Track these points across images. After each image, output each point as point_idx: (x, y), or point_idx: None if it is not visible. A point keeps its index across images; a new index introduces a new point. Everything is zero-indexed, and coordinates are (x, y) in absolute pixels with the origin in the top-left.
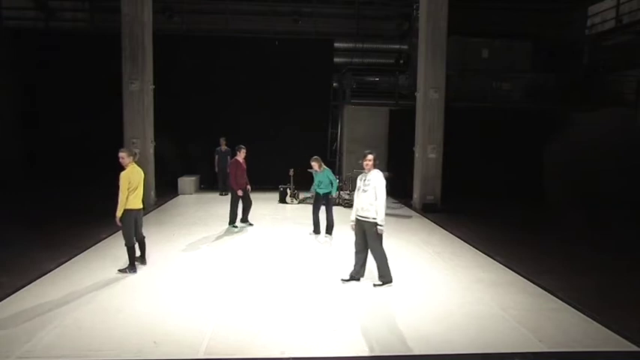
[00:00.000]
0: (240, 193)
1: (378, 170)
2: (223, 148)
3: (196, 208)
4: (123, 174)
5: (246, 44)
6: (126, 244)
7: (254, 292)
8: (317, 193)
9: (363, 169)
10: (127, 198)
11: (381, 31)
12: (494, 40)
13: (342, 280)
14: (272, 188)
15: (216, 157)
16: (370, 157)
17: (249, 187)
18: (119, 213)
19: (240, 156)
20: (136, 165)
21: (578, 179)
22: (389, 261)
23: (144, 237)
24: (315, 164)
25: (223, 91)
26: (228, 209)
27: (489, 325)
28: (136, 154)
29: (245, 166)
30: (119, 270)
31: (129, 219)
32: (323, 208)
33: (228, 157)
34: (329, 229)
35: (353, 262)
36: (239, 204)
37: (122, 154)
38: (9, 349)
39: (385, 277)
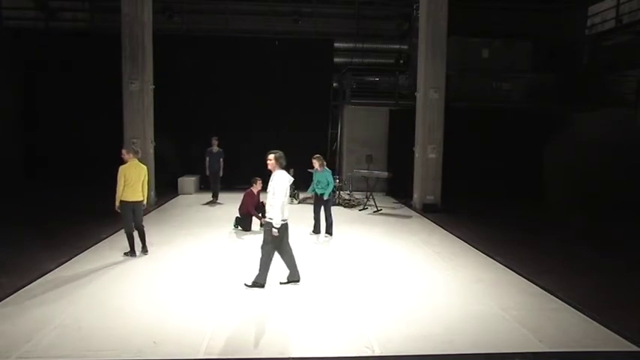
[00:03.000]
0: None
1: (282, 171)
2: (215, 148)
3: (196, 208)
4: (120, 168)
5: (246, 44)
6: (125, 232)
7: (254, 292)
8: (316, 193)
9: (366, 168)
10: (123, 190)
11: (381, 31)
12: (495, 40)
13: (280, 282)
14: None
15: (207, 158)
16: (271, 156)
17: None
18: (117, 203)
19: (256, 188)
20: (136, 161)
21: (578, 179)
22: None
23: (143, 227)
24: (316, 163)
25: (223, 91)
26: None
27: (489, 325)
28: (138, 151)
29: (258, 198)
30: (124, 253)
31: (126, 209)
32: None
33: (221, 158)
34: (328, 229)
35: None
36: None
37: (123, 151)
38: (9, 349)
39: (258, 280)
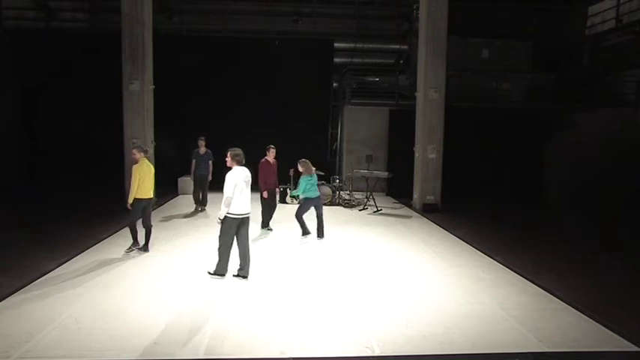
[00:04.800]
0: (265, 195)
1: (235, 168)
2: (202, 150)
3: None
4: (134, 167)
5: (246, 44)
6: (128, 225)
7: (254, 292)
8: (297, 197)
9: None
10: (137, 188)
11: (381, 31)
12: (495, 40)
13: (233, 275)
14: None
15: (193, 161)
16: (227, 153)
17: (277, 189)
18: (130, 200)
19: (270, 156)
20: (146, 160)
21: (577, 179)
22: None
23: (151, 225)
24: (303, 167)
25: (223, 91)
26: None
27: (489, 325)
28: (147, 150)
29: (275, 167)
30: (125, 251)
31: (137, 206)
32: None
33: (210, 161)
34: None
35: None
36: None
37: (134, 151)
38: (9, 349)
39: (218, 269)
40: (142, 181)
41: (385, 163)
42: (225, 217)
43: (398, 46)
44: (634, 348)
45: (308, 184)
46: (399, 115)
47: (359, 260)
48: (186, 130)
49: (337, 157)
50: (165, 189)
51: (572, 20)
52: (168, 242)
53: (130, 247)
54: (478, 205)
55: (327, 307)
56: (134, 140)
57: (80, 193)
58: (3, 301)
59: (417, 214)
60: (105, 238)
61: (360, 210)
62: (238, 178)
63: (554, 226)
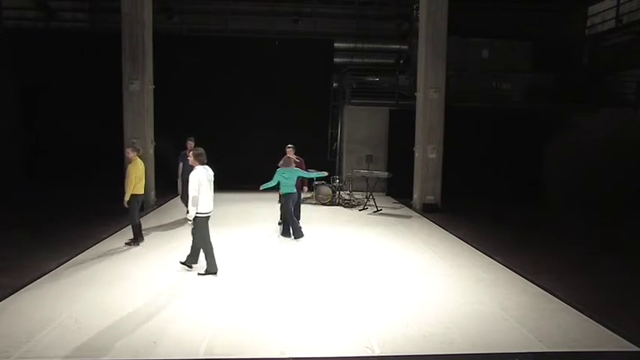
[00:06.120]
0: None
1: (199, 166)
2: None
3: None
4: (130, 166)
5: (246, 44)
6: (131, 224)
7: (254, 292)
8: (287, 194)
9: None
10: (134, 186)
11: (381, 31)
12: (494, 40)
13: (199, 274)
14: (271, 188)
15: (180, 164)
16: (190, 153)
17: (305, 188)
18: (127, 198)
19: (290, 153)
20: (138, 159)
21: (577, 179)
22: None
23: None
24: (291, 157)
25: (223, 91)
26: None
27: (489, 325)
28: (139, 149)
29: (301, 165)
30: (125, 243)
31: (134, 203)
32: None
33: None
34: (296, 233)
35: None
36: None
37: (127, 150)
38: (9, 349)
39: (208, 267)
40: (138, 179)
41: (385, 163)
42: (197, 218)
43: (398, 46)
44: (634, 348)
45: (281, 177)
46: (399, 115)
47: (359, 260)
48: (186, 130)
49: (337, 157)
50: (165, 189)
51: (572, 20)
52: (167, 242)
53: (129, 241)
54: (478, 205)
55: (327, 307)
56: (134, 140)
57: (80, 193)
58: (3, 301)
59: (417, 214)
60: (105, 238)
61: (360, 210)
62: (202, 177)
63: (554, 226)
